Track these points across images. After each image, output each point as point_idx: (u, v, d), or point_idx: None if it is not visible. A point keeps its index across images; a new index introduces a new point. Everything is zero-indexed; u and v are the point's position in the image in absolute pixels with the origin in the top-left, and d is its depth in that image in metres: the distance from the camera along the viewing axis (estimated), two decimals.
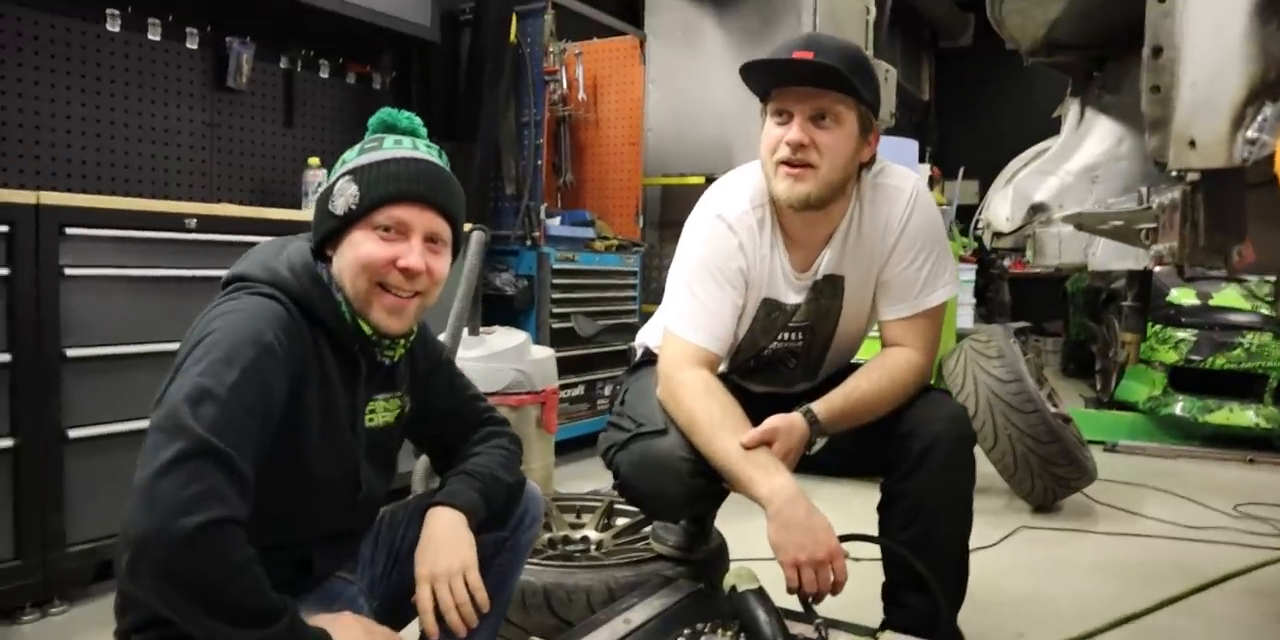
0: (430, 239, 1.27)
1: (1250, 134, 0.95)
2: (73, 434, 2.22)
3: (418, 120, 1.34)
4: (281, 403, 1.14)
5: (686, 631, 1.44)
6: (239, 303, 1.18)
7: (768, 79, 1.63)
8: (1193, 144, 1.02)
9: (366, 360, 1.30)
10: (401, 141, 1.29)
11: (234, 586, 1.01)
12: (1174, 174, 1.09)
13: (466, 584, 1.26)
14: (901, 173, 1.76)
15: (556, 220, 4.22)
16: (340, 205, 1.24)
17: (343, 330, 1.25)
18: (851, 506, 1.84)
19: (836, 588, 1.49)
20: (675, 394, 1.66)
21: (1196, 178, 1.09)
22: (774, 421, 1.60)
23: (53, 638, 2.11)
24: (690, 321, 1.71)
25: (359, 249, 1.23)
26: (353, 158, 1.29)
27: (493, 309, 3.72)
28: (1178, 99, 1.06)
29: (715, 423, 1.59)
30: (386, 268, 1.23)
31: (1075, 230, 2.15)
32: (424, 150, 1.30)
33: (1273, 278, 4.57)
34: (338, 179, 1.26)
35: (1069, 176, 2.16)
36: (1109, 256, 2.08)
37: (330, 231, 1.26)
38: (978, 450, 1.76)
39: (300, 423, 1.19)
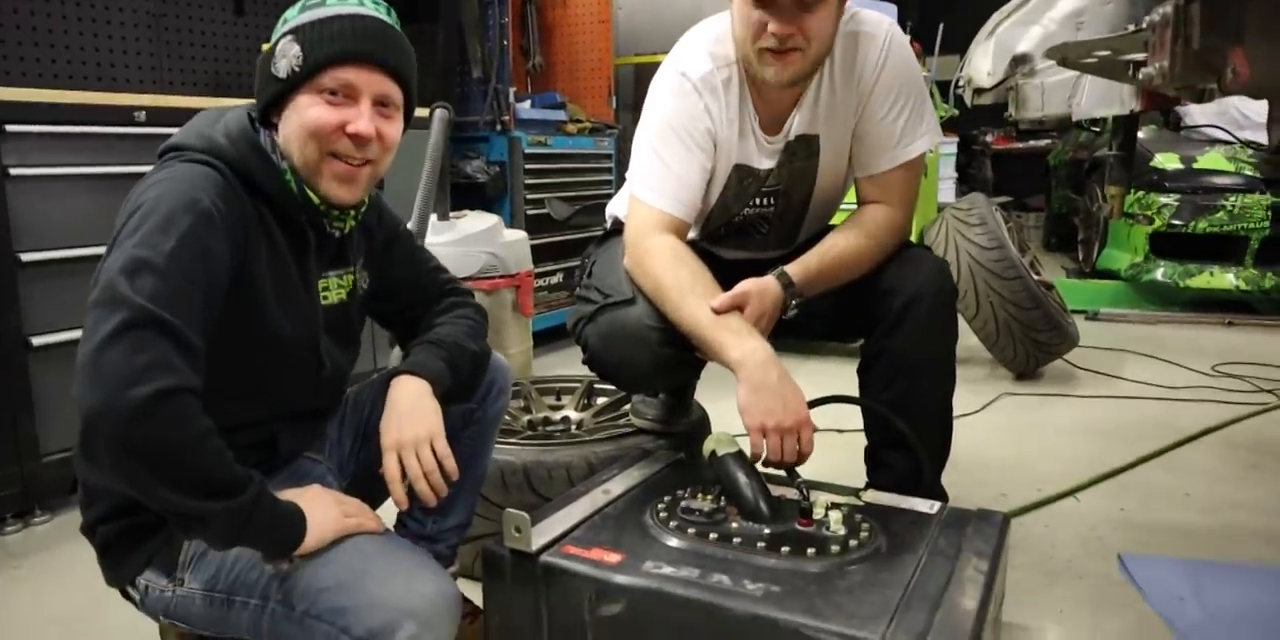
0: (380, 102, 1.19)
1: None
2: (36, 341, 2.17)
3: None
4: (225, 270, 1.09)
5: (667, 498, 1.43)
6: (172, 171, 1.11)
7: None
8: None
9: (315, 232, 1.24)
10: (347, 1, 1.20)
11: (193, 456, 0.97)
12: None
13: (435, 452, 1.23)
14: (873, 17, 1.65)
15: (526, 103, 4.07)
16: (283, 67, 1.15)
17: (287, 200, 1.19)
18: (834, 382, 1.82)
19: (801, 457, 1.46)
20: (642, 262, 1.61)
21: None
22: (745, 285, 1.55)
23: (37, 546, 2.11)
24: (656, 186, 1.64)
25: (305, 115, 1.16)
26: (294, 16, 1.19)
27: (465, 197, 3.63)
28: None
29: (684, 288, 1.54)
30: (335, 134, 1.17)
31: (1057, 82, 2.07)
32: (370, 6, 1.21)
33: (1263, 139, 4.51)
34: (279, 39, 1.18)
35: (1052, 24, 2.07)
36: (1094, 103, 2.01)
37: (274, 96, 1.18)
38: (960, 320, 1.73)
39: (252, 292, 1.14)
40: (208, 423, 0.99)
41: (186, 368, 0.98)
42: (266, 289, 1.16)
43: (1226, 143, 4.99)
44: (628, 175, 1.75)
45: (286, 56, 1.16)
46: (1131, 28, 1.39)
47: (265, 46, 1.21)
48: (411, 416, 1.24)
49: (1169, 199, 4.75)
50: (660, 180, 1.64)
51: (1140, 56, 1.36)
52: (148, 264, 1.00)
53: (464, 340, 1.39)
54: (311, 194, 1.20)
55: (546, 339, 3.90)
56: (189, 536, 1.13)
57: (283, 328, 1.19)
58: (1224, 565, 1.91)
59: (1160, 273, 4.72)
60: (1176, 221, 4.70)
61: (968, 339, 3.29)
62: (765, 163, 1.71)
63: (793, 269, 1.61)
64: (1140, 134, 5.14)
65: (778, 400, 1.44)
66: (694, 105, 1.63)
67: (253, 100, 1.23)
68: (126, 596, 1.25)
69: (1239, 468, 2.51)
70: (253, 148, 1.17)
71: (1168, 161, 4.91)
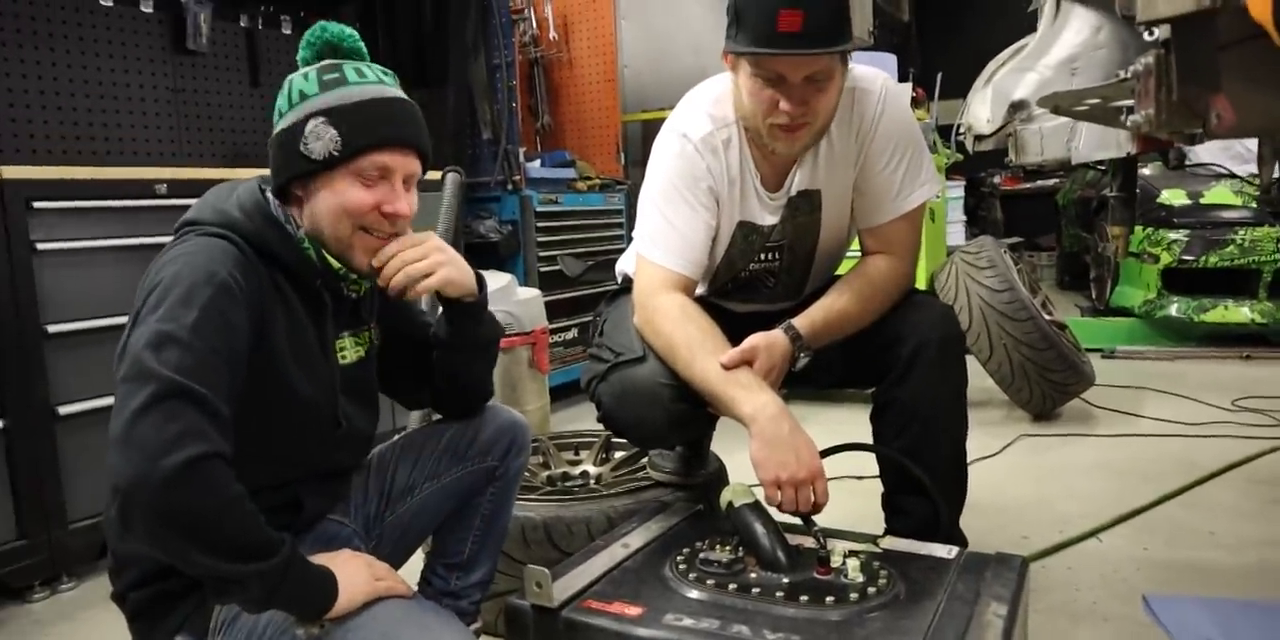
0: (407, 179, 1.26)
1: None
2: (63, 410, 2.21)
3: (358, 38, 1.30)
4: (246, 339, 1.13)
5: (686, 551, 1.44)
6: (188, 245, 1.15)
7: (756, 50, 1.52)
8: None
9: (331, 295, 1.28)
10: (364, 73, 1.25)
11: (227, 521, 1.01)
12: (1144, 31, 1.06)
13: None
14: (868, 73, 1.70)
15: (537, 163, 4.17)
16: (318, 150, 1.20)
17: (304, 268, 1.24)
18: (850, 429, 1.84)
19: (816, 508, 1.48)
20: (651, 320, 1.64)
21: (1167, 35, 1.06)
22: (754, 340, 1.58)
23: (64, 614, 2.13)
24: (663, 245, 1.68)
25: (343, 196, 1.22)
26: (314, 92, 1.22)
27: (478, 256, 3.69)
28: None
29: (694, 346, 1.57)
30: (372, 214, 1.23)
31: (1055, 127, 2.11)
32: (389, 82, 1.27)
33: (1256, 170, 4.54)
34: (307, 118, 1.21)
35: (1048, 70, 2.11)
36: (1091, 147, 2.04)
37: (300, 175, 1.22)
38: (975, 363, 1.75)
39: (271, 357, 1.18)
40: (239, 488, 1.03)
41: (216, 435, 1.02)
42: (285, 354, 1.20)
43: (1232, 177, 5.02)
44: (634, 234, 1.79)
45: (322, 139, 1.19)
46: (1121, 75, 1.43)
47: (278, 117, 1.25)
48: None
49: (1178, 235, 4.77)
50: (666, 239, 1.68)
51: (1129, 103, 1.40)
52: (172, 337, 1.04)
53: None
54: (332, 261, 1.25)
55: (563, 394, 3.93)
56: (224, 601, 1.14)
57: (300, 390, 1.22)
58: (1251, 604, 1.89)
59: (1174, 308, 4.72)
60: (1187, 257, 4.71)
61: (983, 381, 3.31)
62: (769, 219, 1.75)
63: (799, 322, 1.65)
64: (1146, 171, 5.20)
65: (790, 453, 1.46)
66: (696, 165, 1.67)
67: (266, 172, 1.28)
68: None
69: (1262, 503, 2.49)
70: (267, 219, 1.21)
71: (1174, 198, 4.95)
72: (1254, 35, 0.89)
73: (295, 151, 1.21)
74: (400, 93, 1.27)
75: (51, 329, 2.19)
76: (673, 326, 1.60)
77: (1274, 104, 1.10)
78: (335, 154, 1.20)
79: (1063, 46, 2.25)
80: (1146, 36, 1.17)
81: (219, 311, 1.09)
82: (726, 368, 1.54)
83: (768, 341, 1.59)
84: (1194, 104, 1.08)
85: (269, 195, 1.25)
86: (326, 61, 1.26)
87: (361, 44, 1.30)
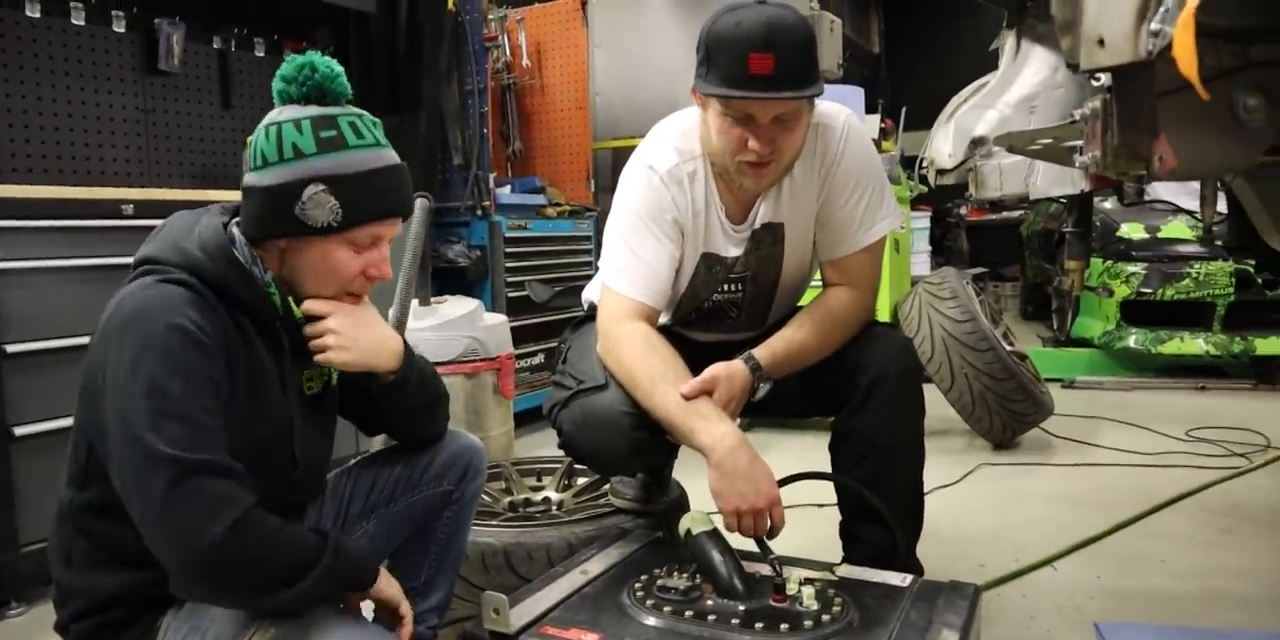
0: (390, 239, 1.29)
1: (1154, 26, 0.97)
2: (18, 431, 2.18)
3: (344, 76, 1.26)
4: (225, 388, 1.15)
5: (644, 578, 1.45)
6: (149, 294, 1.13)
7: (728, 93, 1.54)
8: (1101, 42, 1.03)
9: (288, 335, 1.28)
10: (360, 133, 1.23)
11: (277, 557, 1.09)
12: (1087, 76, 1.10)
13: None
14: (831, 109, 1.74)
15: (507, 188, 4.19)
16: (318, 218, 1.19)
17: (267, 310, 1.23)
18: (812, 456, 1.86)
19: (773, 532, 1.53)
20: (613, 351, 1.66)
21: (1109, 83, 1.10)
22: (714, 370, 1.61)
23: (13, 639, 2.09)
24: (627, 275, 1.70)
25: (334, 262, 1.24)
26: (311, 151, 1.19)
27: (447, 281, 3.70)
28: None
29: (655, 376, 1.59)
30: (357, 278, 1.26)
31: (1013, 164, 2.17)
32: (382, 141, 1.26)
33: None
34: (305, 182, 1.18)
35: (1007, 108, 2.17)
36: (1048, 183, 2.10)
37: (290, 235, 1.22)
38: (936, 392, 1.78)
39: (231, 400, 1.18)
40: (274, 521, 1.10)
41: (238, 488, 1.08)
42: (242, 398, 1.19)
43: (1189, 212, 5.15)
44: (600, 265, 1.81)
45: (322, 208, 1.19)
46: (1073, 117, 1.48)
47: (260, 163, 1.21)
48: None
49: (1137, 267, 4.88)
50: (631, 270, 1.70)
51: (1080, 143, 1.45)
52: (166, 414, 1.06)
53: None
54: (294, 307, 1.26)
55: (528, 419, 3.92)
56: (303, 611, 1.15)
57: (257, 432, 1.22)
58: (1200, 631, 1.93)
59: (1132, 340, 4.81)
60: (1145, 289, 4.82)
61: (945, 411, 3.35)
62: (733, 251, 1.78)
63: (760, 353, 1.67)
64: (1106, 205, 5.31)
65: (749, 484, 1.50)
66: (662, 197, 1.70)
67: (233, 198, 1.27)
68: None
69: (1213, 532, 2.54)
70: (229, 261, 1.19)
71: (1133, 231, 5.06)
72: (1188, 84, 0.93)
73: (289, 213, 1.19)
74: (392, 154, 1.27)
75: (10, 349, 2.17)
76: (635, 357, 1.62)
77: (1211, 149, 1.15)
78: (334, 224, 1.20)
79: (1022, 85, 2.32)
80: (1093, 82, 1.22)
81: (199, 371, 1.10)
82: (687, 398, 1.56)
83: (728, 372, 1.62)
84: (1136, 147, 1.13)
85: (234, 232, 1.23)
86: (319, 113, 1.22)
87: (346, 82, 1.27)
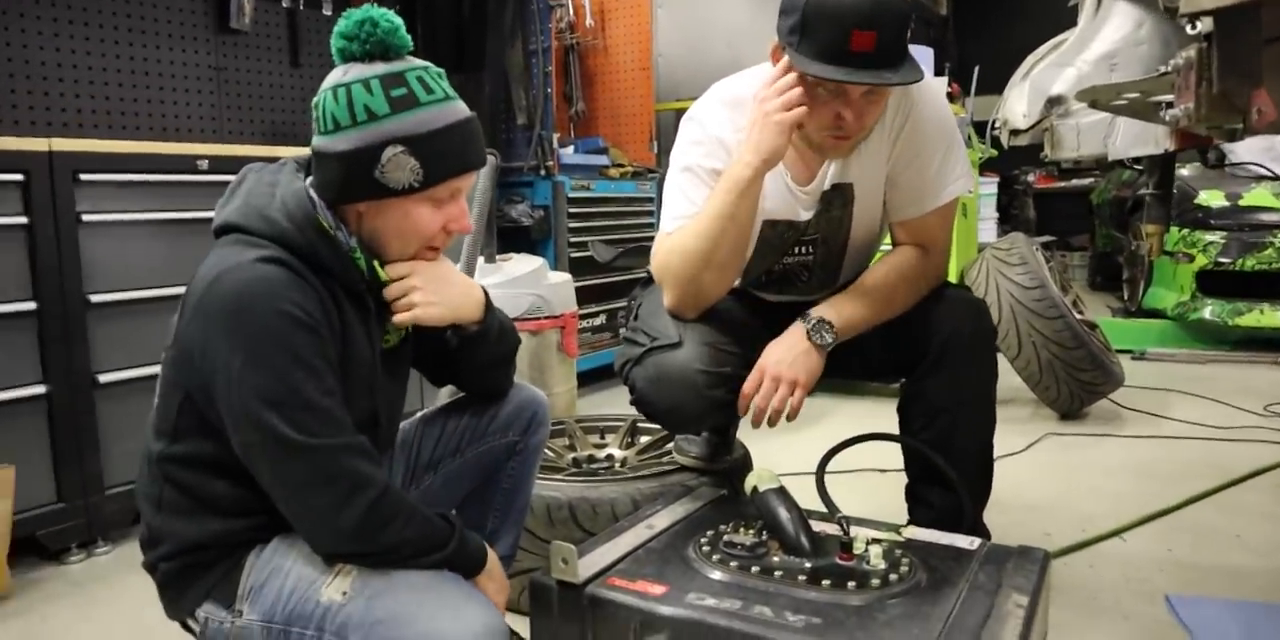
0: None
1: None
2: (102, 379, 2.26)
3: (403, 28, 1.23)
4: (336, 364, 1.18)
5: (710, 533, 1.46)
6: (249, 276, 1.13)
7: (834, 77, 1.48)
8: None
9: (373, 296, 1.29)
10: (430, 88, 1.21)
11: (409, 532, 1.16)
12: (1186, 24, 1.06)
13: None
14: None
15: (570, 149, 4.19)
16: (399, 180, 1.18)
17: (353, 278, 1.24)
18: (876, 422, 1.85)
19: (791, 414, 1.62)
20: (658, 253, 1.71)
21: (1210, 28, 1.06)
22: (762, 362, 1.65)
23: (99, 576, 2.18)
24: (682, 217, 1.68)
25: (415, 220, 1.24)
26: (384, 111, 1.17)
27: (510, 240, 3.72)
28: None
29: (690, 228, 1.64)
30: (439, 234, 1.27)
31: (1092, 123, 2.11)
32: (452, 94, 1.24)
33: None
34: (384, 145, 1.17)
35: (1086, 66, 2.11)
36: (1128, 143, 2.04)
37: (372, 197, 1.22)
38: (1002, 360, 1.75)
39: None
40: (406, 503, 1.17)
41: (368, 466, 1.15)
42: (338, 368, 1.20)
43: (1274, 179, 4.95)
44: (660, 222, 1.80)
45: (403, 169, 1.18)
46: (1161, 70, 1.42)
47: (331, 126, 1.19)
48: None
49: (1215, 236, 4.72)
50: (685, 213, 1.68)
51: (1169, 97, 1.40)
52: (290, 404, 1.10)
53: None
54: (379, 270, 1.27)
55: (590, 379, 3.96)
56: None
57: (349, 393, 1.23)
58: (1277, 607, 1.88)
59: (1208, 311, 4.66)
60: (1224, 259, 4.66)
61: (1011, 379, 3.30)
62: (804, 214, 1.75)
63: (825, 311, 1.66)
64: (1184, 172, 5.14)
65: (791, 354, 1.63)
66: (715, 151, 1.67)
67: (304, 151, 1.27)
68: (187, 629, 1.29)
69: None
70: (318, 231, 1.20)
71: (1213, 199, 4.89)
72: None
73: (369, 177, 1.19)
74: (463, 106, 1.25)
75: (94, 298, 2.24)
76: (676, 242, 1.67)
77: None
78: (416, 184, 1.20)
79: (1102, 42, 2.25)
80: (1189, 30, 1.17)
81: (313, 355, 1.13)
82: (746, 396, 1.64)
83: (776, 357, 1.65)
84: (1234, 98, 1.08)
85: (315, 199, 1.22)
86: (386, 71, 1.19)
87: (405, 32, 1.23)
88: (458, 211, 1.27)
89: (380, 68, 1.20)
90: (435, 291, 1.31)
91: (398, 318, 1.30)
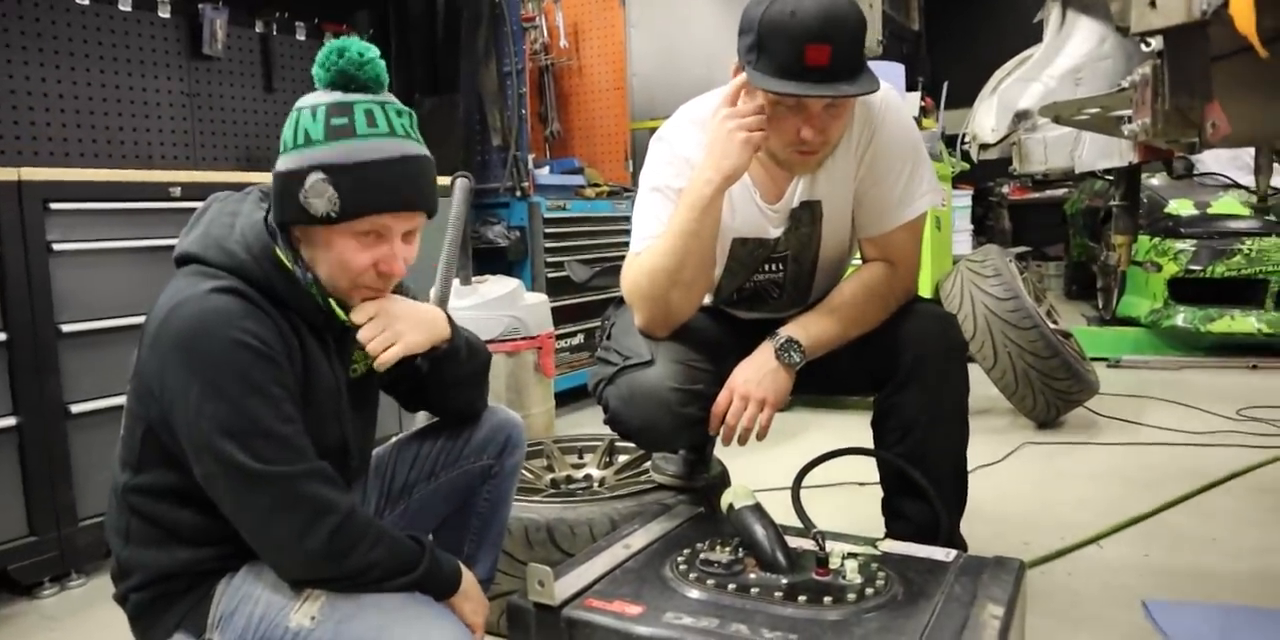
0: (408, 233, 1.25)
1: None
2: (75, 409, 2.24)
3: (378, 62, 1.23)
4: (297, 393, 1.18)
5: (686, 552, 1.46)
6: (205, 307, 1.13)
7: (789, 91, 1.50)
8: (1153, 3, 1.01)
9: (332, 333, 1.30)
10: (375, 121, 1.19)
11: (377, 556, 1.16)
12: (1137, 42, 1.08)
13: None
14: None
15: (545, 169, 4.20)
16: (317, 207, 1.16)
17: (311, 312, 1.24)
18: (854, 435, 1.86)
19: (760, 433, 1.65)
20: (628, 272, 1.72)
21: (1161, 47, 1.08)
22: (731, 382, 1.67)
23: (74, 609, 2.15)
24: (651, 237, 1.69)
25: (340, 255, 1.21)
26: (319, 138, 1.17)
27: (486, 262, 3.73)
28: None
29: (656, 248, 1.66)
30: (368, 273, 1.23)
31: (1059, 136, 2.14)
32: (400, 129, 1.21)
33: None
34: (309, 170, 1.16)
35: (1052, 81, 2.14)
36: (1095, 156, 2.07)
37: (299, 224, 1.21)
38: (978, 370, 1.77)
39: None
40: (373, 526, 1.17)
41: (332, 492, 1.15)
42: (298, 397, 1.20)
43: (1241, 186, 5.02)
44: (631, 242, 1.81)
45: (321, 197, 1.16)
46: (1121, 85, 1.45)
47: (284, 149, 1.20)
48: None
49: (1185, 244, 4.78)
50: (654, 233, 1.69)
51: (1129, 112, 1.42)
52: (250, 432, 1.11)
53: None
54: (335, 306, 1.26)
55: (568, 399, 3.95)
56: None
57: (314, 423, 1.23)
58: (1252, 610, 1.90)
59: (1181, 318, 4.71)
60: (1194, 266, 4.72)
61: (988, 390, 3.32)
62: (773, 231, 1.76)
63: (794, 330, 1.67)
64: (1154, 181, 5.20)
65: (760, 373, 1.65)
66: (684, 171, 1.68)
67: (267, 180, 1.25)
68: None
69: (1266, 512, 2.50)
70: (273, 264, 1.20)
71: (1182, 208, 4.95)
72: (1245, 47, 0.91)
73: (295, 201, 1.18)
74: (410, 145, 1.22)
75: (65, 328, 2.22)
76: (644, 261, 1.68)
77: (1268, 114, 1.12)
78: (333, 214, 1.17)
79: (1067, 57, 2.28)
80: (1143, 47, 1.20)
81: (271, 383, 1.13)
82: (718, 413, 1.66)
83: (743, 376, 1.67)
84: (1188, 113, 1.10)
85: (272, 227, 1.22)
86: (337, 100, 1.19)
87: (380, 68, 1.23)
88: (387, 252, 1.22)
89: (334, 97, 1.20)
90: (404, 324, 1.31)
91: (384, 356, 1.28)
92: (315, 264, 1.23)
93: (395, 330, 1.30)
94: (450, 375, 1.44)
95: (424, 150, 1.25)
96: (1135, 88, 1.27)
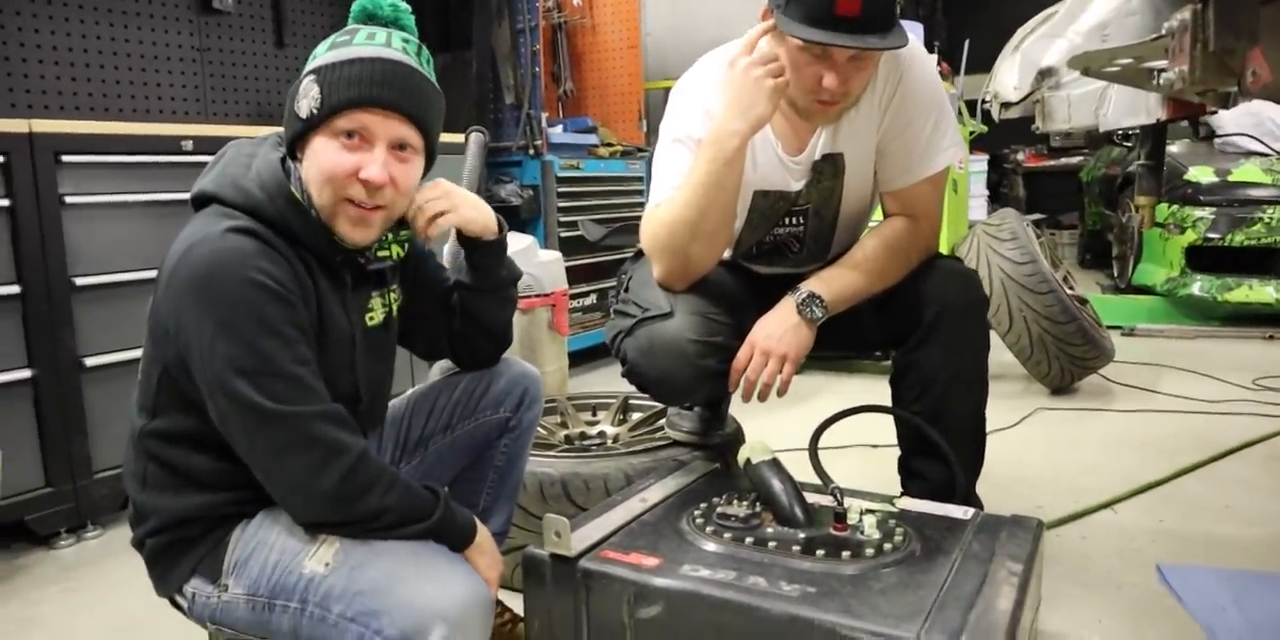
0: (397, 146, 1.21)
1: None
2: (89, 362, 2.24)
3: (404, 7, 1.26)
4: (311, 332, 1.18)
5: (703, 506, 1.46)
6: (220, 247, 1.12)
7: (818, 40, 1.47)
8: None
9: (351, 270, 1.28)
10: (375, 35, 1.22)
11: (390, 500, 1.15)
12: None
13: None
14: None
15: (559, 128, 4.16)
16: (304, 107, 1.18)
17: (323, 245, 1.22)
18: (862, 399, 1.84)
19: (781, 389, 1.62)
20: (647, 233, 1.69)
21: None
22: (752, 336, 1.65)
23: (90, 560, 2.17)
24: (670, 186, 1.66)
25: (320, 158, 1.18)
26: (322, 52, 1.21)
27: None
28: None
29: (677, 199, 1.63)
30: (348, 179, 1.18)
31: (1083, 94, 2.10)
32: (398, 45, 1.22)
33: None
34: (304, 77, 1.20)
35: (1078, 37, 2.09)
36: (1120, 113, 2.03)
37: (296, 134, 1.21)
38: (994, 335, 1.74)
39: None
40: (387, 472, 1.16)
41: (345, 433, 1.14)
42: (312, 336, 1.20)
43: (1262, 155, 4.95)
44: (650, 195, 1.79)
45: (307, 97, 1.17)
46: (1158, 33, 1.41)
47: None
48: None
49: (1204, 212, 4.72)
50: (675, 185, 1.65)
51: (1162, 63, 1.39)
52: (264, 372, 1.10)
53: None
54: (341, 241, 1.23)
55: (581, 359, 3.95)
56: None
57: (325, 365, 1.21)
58: (1266, 575, 1.89)
59: (1197, 287, 4.67)
60: (1212, 235, 4.66)
61: (1002, 355, 3.29)
62: (795, 184, 1.74)
63: (815, 285, 1.65)
64: (1173, 148, 5.13)
65: (782, 327, 1.62)
66: (706, 123, 1.64)
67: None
68: (175, 605, 1.29)
69: None
70: (289, 201, 1.19)
71: (1201, 175, 4.88)
72: None
73: (291, 110, 1.20)
74: (405, 57, 1.21)
75: (79, 281, 2.21)
76: (662, 214, 1.66)
77: None
78: (315, 112, 1.16)
79: (1094, 13, 2.23)
80: None
81: (285, 324, 1.12)
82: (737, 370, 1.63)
83: (765, 331, 1.65)
84: (1229, 60, 1.07)
85: (291, 166, 1.22)
86: (346, 27, 1.24)
87: (405, 10, 1.25)
88: (368, 158, 1.18)
89: (348, 27, 1.24)
90: (464, 200, 1.35)
91: (441, 221, 1.32)
92: (309, 184, 1.20)
93: (453, 201, 1.33)
94: (490, 279, 1.46)
95: (422, 68, 1.23)
96: (1172, 35, 1.24)
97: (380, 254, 1.31)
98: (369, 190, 1.19)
